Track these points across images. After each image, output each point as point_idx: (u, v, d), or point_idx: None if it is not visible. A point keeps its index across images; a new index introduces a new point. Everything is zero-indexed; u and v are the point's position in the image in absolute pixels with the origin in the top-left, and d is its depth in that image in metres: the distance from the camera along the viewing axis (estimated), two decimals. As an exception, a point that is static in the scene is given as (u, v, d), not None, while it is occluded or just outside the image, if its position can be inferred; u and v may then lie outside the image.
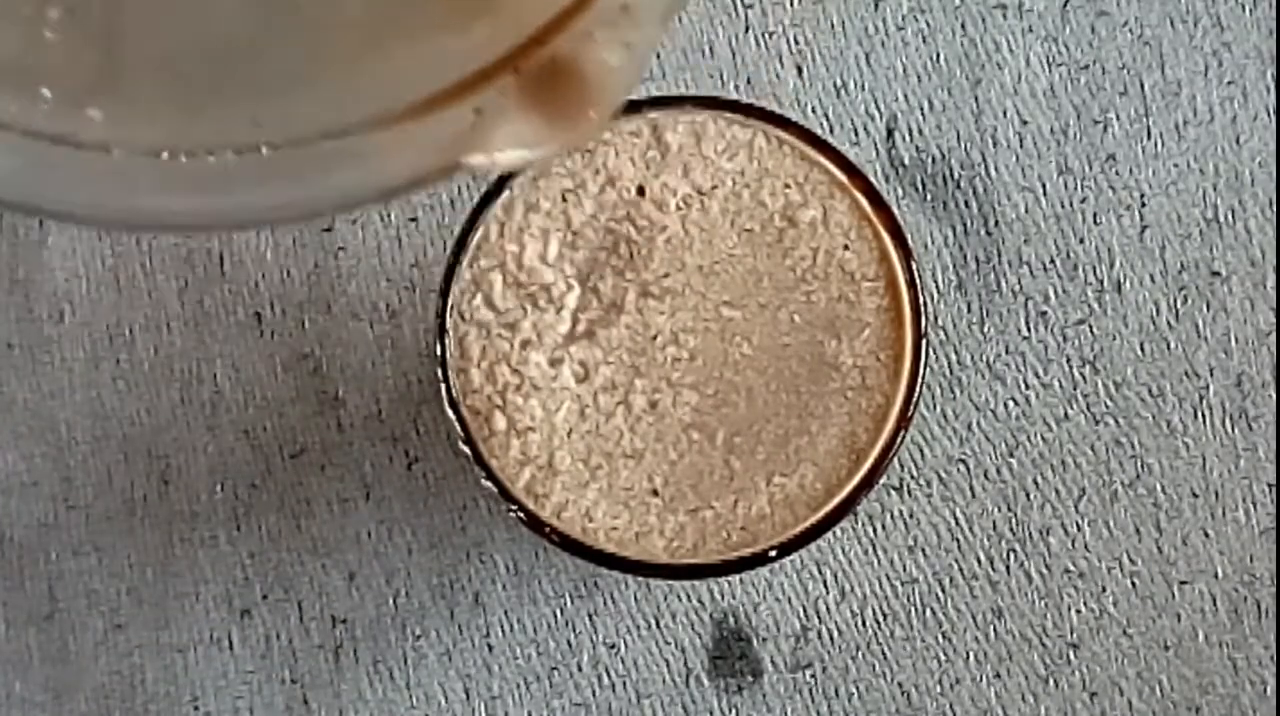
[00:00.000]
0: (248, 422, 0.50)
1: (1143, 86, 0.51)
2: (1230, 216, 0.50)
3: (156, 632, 0.50)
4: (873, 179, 0.41)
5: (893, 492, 0.50)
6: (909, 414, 0.41)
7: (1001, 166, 0.50)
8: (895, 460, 0.48)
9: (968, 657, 0.50)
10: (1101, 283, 0.50)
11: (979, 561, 0.50)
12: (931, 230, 0.50)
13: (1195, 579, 0.50)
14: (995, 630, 0.50)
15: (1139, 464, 0.50)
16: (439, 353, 0.41)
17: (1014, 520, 0.50)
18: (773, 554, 0.40)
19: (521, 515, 0.40)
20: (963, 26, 0.51)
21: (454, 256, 0.41)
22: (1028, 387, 0.50)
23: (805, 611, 0.50)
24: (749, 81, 0.51)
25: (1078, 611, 0.50)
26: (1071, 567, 0.50)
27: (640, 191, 0.41)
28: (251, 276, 0.50)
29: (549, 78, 0.25)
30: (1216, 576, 0.50)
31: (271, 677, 0.50)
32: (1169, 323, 0.50)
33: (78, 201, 0.26)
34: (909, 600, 0.50)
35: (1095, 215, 0.50)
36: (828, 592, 0.50)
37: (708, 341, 0.40)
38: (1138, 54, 0.51)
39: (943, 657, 0.50)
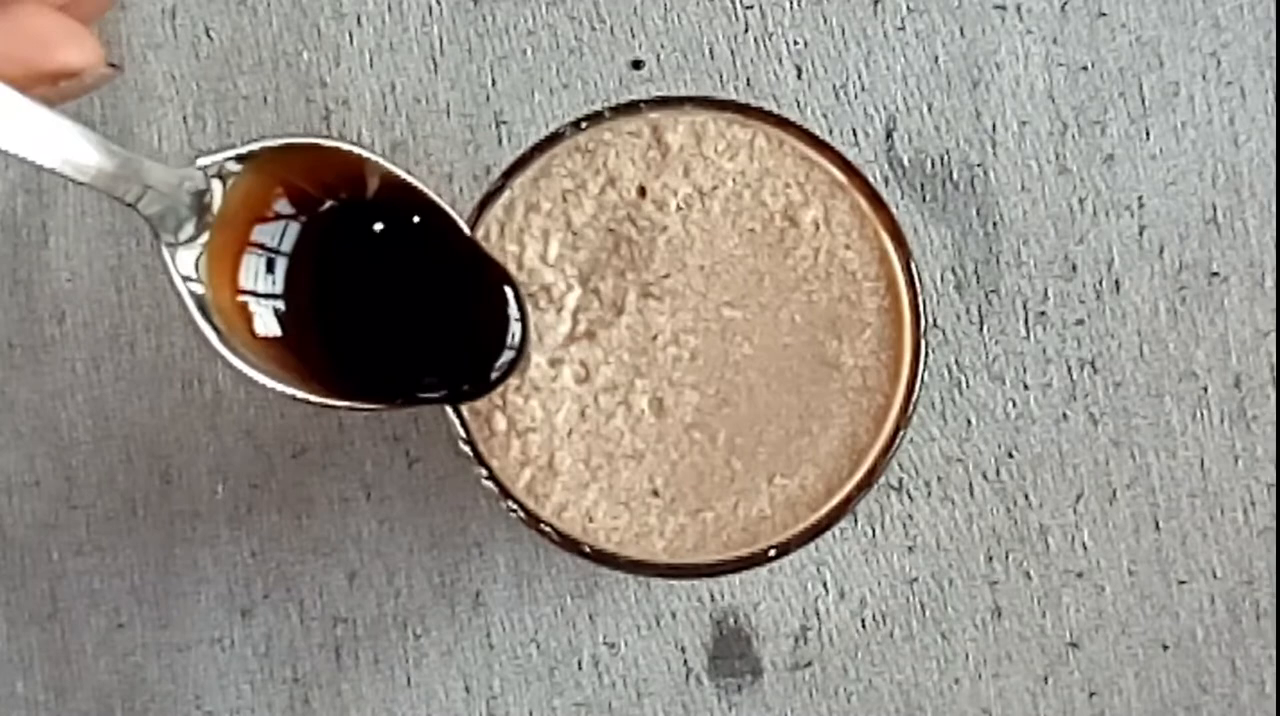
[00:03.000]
0: (249, 422, 0.50)
1: (1141, 87, 0.51)
2: (1229, 217, 0.50)
3: (158, 631, 0.50)
4: (872, 180, 0.41)
5: (892, 493, 0.50)
6: (909, 414, 0.41)
7: (1001, 167, 0.50)
8: (895, 460, 0.48)
9: (967, 657, 0.50)
10: (1100, 283, 0.50)
11: (978, 561, 0.50)
12: (931, 231, 0.50)
13: (1194, 578, 0.50)
14: (995, 630, 0.50)
15: (1138, 464, 0.50)
16: (440, 353, 0.41)
17: (1013, 520, 0.50)
18: (772, 553, 0.40)
19: (522, 515, 0.40)
20: (961, 29, 0.51)
21: (455, 257, 0.41)
22: (1027, 388, 0.50)
23: (805, 611, 0.50)
24: (749, 82, 0.51)
25: (1076, 611, 0.50)
26: (1070, 567, 0.50)
27: (641, 192, 0.41)
28: (253, 277, 0.50)
29: None
30: (1215, 576, 0.50)
31: (273, 676, 0.50)
32: (1168, 323, 0.50)
33: None
34: (909, 600, 0.50)
35: (1094, 216, 0.50)
36: (828, 593, 0.50)
37: (709, 341, 0.40)
38: (1136, 55, 0.51)
39: (942, 657, 0.50)
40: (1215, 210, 0.50)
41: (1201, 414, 0.50)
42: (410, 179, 0.37)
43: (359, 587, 0.50)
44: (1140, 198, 0.50)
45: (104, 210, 0.50)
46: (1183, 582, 0.50)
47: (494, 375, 0.38)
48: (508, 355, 0.38)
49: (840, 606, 0.50)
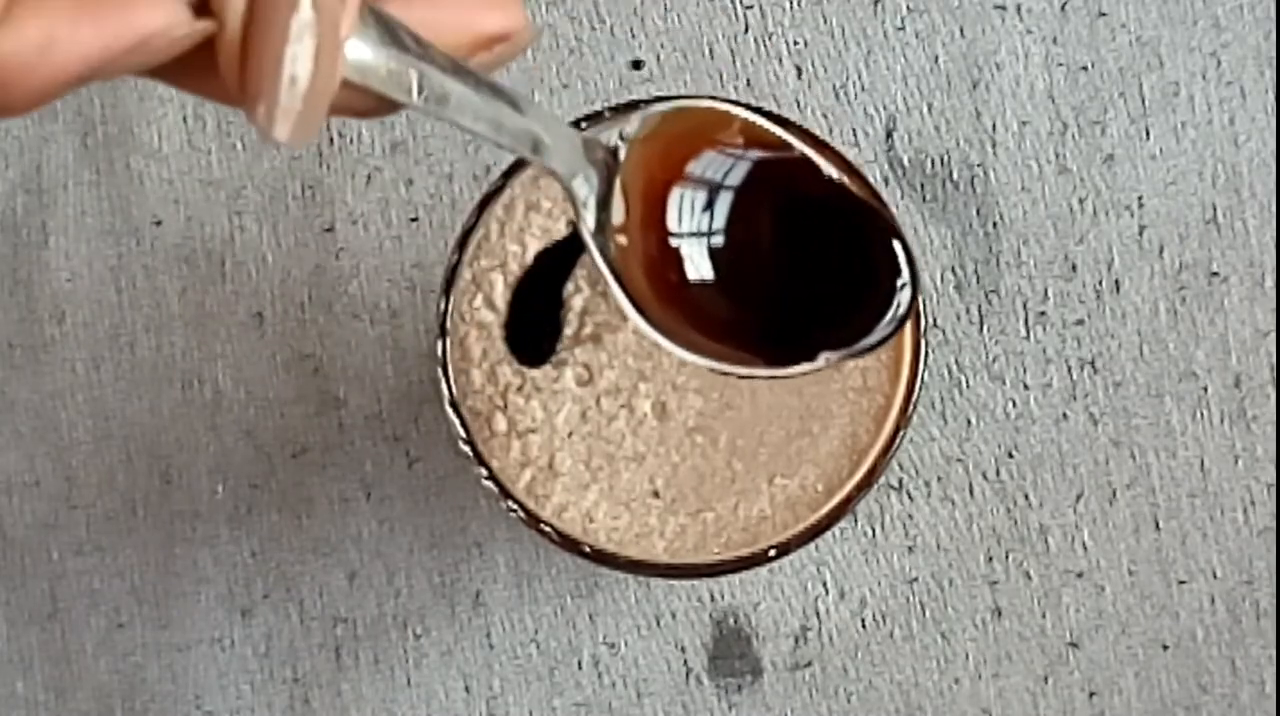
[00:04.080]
0: (249, 422, 0.50)
1: (1141, 87, 0.51)
2: (1229, 217, 0.50)
3: (158, 631, 0.50)
4: (872, 180, 0.41)
5: (892, 493, 0.50)
6: (909, 414, 0.41)
7: (1000, 167, 0.50)
8: (895, 460, 0.48)
9: (967, 657, 0.50)
10: (1100, 283, 0.50)
11: (978, 561, 0.50)
12: (931, 231, 0.50)
13: (1194, 578, 0.50)
14: (995, 630, 0.50)
15: (1138, 464, 0.50)
16: (440, 353, 0.41)
17: (1013, 520, 0.50)
18: (772, 553, 0.40)
19: (522, 515, 0.40)
20: (961, 29, 0.51)
21: (455, 256, 0.41)
22: (1027, 388, 0.50)
23: (805, 611, 0.50)
24: (749, 82, 0.51)
25: (1076, 611, 0.50)
26: (1070, 567, 0.50)
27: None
28: (253, 277, 0.50)
29: None
30: (1215, 576, 0.50)
31: (273, 676, 0.50)
32: (1167, 323, 0.50)
33: None
34: (909, 600, 0.50)
35: (1094, 216, 0.50)
36: (828, 593, 0.50)
37: None
38: (1136, 55, 0.51)
39: (942, 658, 0.50)
40: (1215, 210, 0.50)
41: (1201, 414, 0.50)
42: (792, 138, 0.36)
43: (359, 587, 0.50)
44: (1140, 198, 0.50)
45: (104, 210, 0.50)
46: (1183, 582, 0.50)
47: (870, 343, 0.35)
48: (891, 323, 0.35)
49: (840, 606, 0.50)
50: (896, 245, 0.35)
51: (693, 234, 0.35)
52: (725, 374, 0.35)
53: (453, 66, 0.29)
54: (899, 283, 0.35)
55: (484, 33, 0.31)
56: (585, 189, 0.34)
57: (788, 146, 0.35)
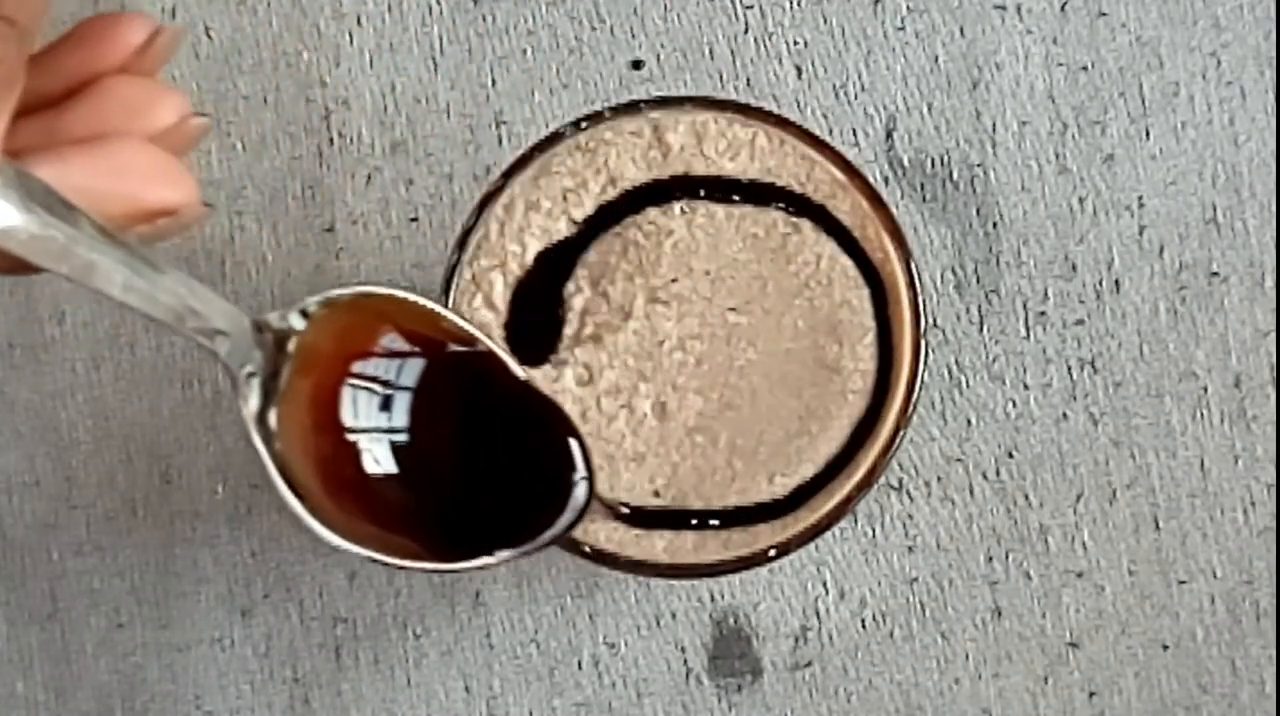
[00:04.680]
0: (249, 422, 0.50)
1: (1141, 87, 0.51)
2: (1229, 217, 0.50)
3: (158, 631, 0.50)
4: (872, 180, 0.41)
5: (892, 493, 0.50)
6: (909, 414, 0.41)
7: (1001, 167, 0.50)
8: (895, 460, 0.48)
9: (967, 657, 0.50)
10: (1100, 283, 0.50)
11: (978, 561, 0.50)
12: (931, 231, 0.50)
13: (1194, 578, 0.50)
14: (995, 630, 0.50)
15: (1138, 464, 0.50)
16: (440, 353, 0.41)
17: (1013, 520, 0.50)
18: (772, 553, 0.40)
19: (521, 515, 0.40)
20: (961, 29, 0.51)
21: (455, 256, 0.41)
22: (1027, 388, 0.50)
23: (805, 611, 0.50)
24: (749, 82, 0.51)
25: (1076, 611, 0.50)
26: (1070, 567, 0.50)
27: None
28: (253, 277, 0.50)
29: None
30: (1215, 576, 0.50)
31: (273, 676, 0.50)
32: (1168, 323, 0.50)
33: None
34: (909, 600, 0.50)
35: (1094, 216, 0.50)
36: (827, 593, 0.50)
37: (714, 347, 0.40)
38: (1136, 55, 0.51)
39: (942, 658, 0.50)
40: (1215, 210, 0.50)
41: (1201, 414, 0.50)
42: (472, 328, 0.36)
43: (359, 587, 0.50)
44: (1140, 198, 0.50)
45: (104, 210, 0.50)
46: (1183, 582, 0.50)
47: (547, 538, 0.36)
48: (569, 517, 0.36)
49: (840, 606, 0.50)
50: (573, 443, 0.36)
51: (371, 429, 0.36)
52: (389, 566, 0.35)
53: (103, 236, 0.28)
54: (575, 477, 0.36)
55: (147, 205, 0.29)
56: (249, 374, 0.33)
57: (473, 339, 0.36)
